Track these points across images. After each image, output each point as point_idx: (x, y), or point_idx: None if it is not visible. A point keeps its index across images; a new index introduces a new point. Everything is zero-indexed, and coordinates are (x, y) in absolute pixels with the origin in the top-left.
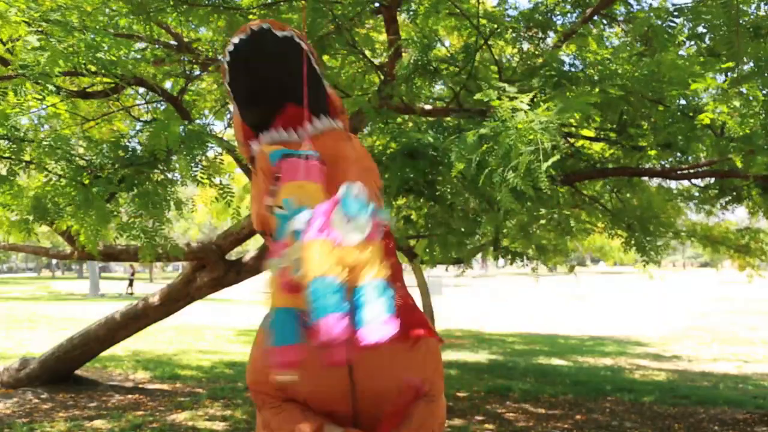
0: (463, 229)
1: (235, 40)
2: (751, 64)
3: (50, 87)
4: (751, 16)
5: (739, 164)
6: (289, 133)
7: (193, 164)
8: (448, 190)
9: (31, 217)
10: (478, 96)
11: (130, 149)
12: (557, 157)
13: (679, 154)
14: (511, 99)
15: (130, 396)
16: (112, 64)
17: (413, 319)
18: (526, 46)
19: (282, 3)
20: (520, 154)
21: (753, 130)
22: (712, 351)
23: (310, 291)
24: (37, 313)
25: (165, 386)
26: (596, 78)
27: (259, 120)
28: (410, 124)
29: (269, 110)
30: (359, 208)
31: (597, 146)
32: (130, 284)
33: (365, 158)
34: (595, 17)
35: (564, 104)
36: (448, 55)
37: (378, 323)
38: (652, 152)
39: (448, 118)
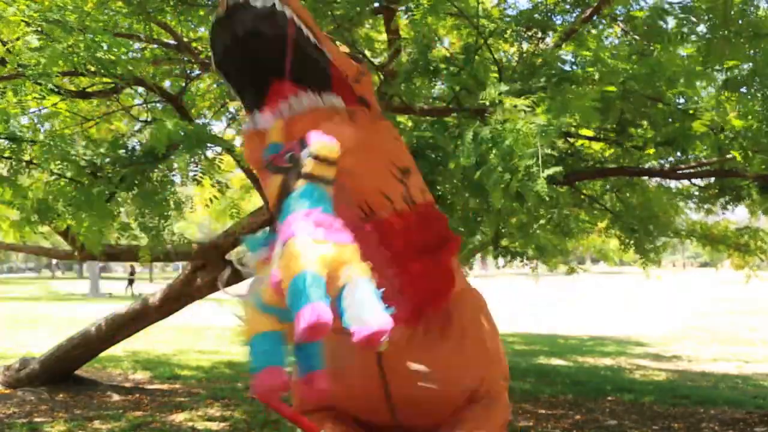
0: (462, 229)
1: (213, 18)
2: (751, 64)
3: (50, 87)
4: (750, 17)
5: (738, 158)
6: (267, 117)
7: (192, 164)
8: (448, 190)
9: (34, 218)
10: (481, 97)
11: (129, 149)
12: (559, 168)
13: (679, 153)
14: (513, 98)
15: (129, 396)
16: (112, 64)
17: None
18: (525, 45)
19: None
20: (520, 157)
21: (753, 128)
22: (712, 351)
23: (289, 286)
24: (37, 314)
25: (165, 386)
26: (596, 77)
27: (256, 100)
28: (410, 124)
29: (259, 89)
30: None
31: (597, 146)
32: (130, 284)
33: (362, 138)
34: (595, 17)
35: (563, 106)
36: (448, 55)
37: (373, 317)
38: (652, 151)
39: (448, 118)
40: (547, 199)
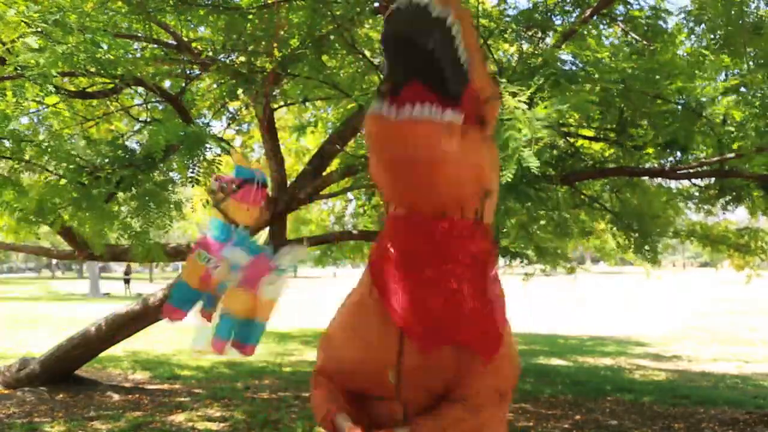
0: None
1: (394, 6)
2: (752, 63)
3: (49, 88)
4: (750, 18)
5: (741, 146)
6: (393, 110)
7: (191, 165)
8: None
9: (34, 218)
10: None
11: (129, 149)
12: (546, 139)
13: (679, 153)
14: (513, 96)
15: (129, 396)
16: (112, 65)
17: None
18: (525, 45)
19: (282, 3)
20: (515, 139)
21: (754, 126)
22: (712, 351)
23: (221, 316)
24: (37, 314)
25: (165, 386)
26: (596, 76)
27: (393, 84)
28: None
29: (400, 80)
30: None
31: (597, 146)
32: (126, 284)
33: (463, 153)
34: (594, 17)
35: (561, 100)
36: None
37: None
38: (651, 151)
39: None
40: (535, 169)
